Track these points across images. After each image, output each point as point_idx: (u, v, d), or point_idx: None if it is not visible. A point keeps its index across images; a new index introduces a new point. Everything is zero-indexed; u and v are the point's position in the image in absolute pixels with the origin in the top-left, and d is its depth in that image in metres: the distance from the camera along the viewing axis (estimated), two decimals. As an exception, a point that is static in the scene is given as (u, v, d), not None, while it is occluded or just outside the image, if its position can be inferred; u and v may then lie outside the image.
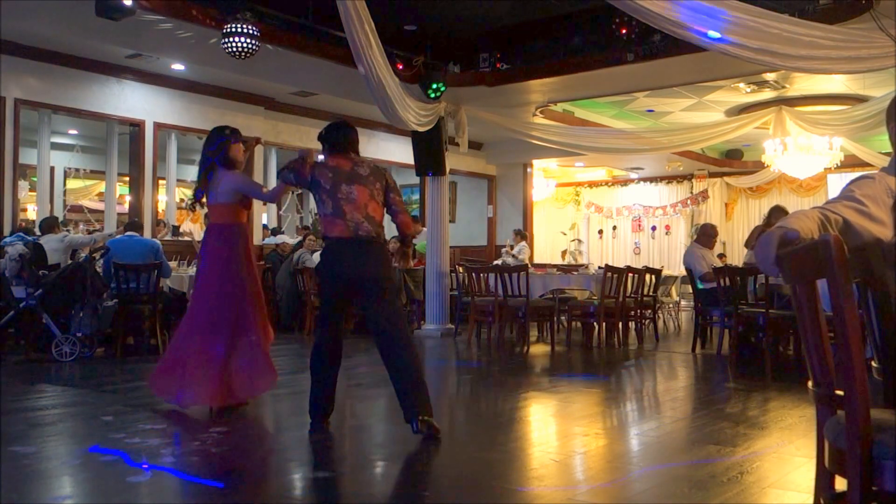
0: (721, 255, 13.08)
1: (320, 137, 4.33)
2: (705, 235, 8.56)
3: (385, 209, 4.23)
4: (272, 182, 12.89)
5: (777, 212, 8.26)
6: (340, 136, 4.26)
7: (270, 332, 4.94)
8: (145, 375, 6.33)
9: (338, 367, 4.22)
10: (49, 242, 7.61)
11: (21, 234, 7.43)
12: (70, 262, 7.44)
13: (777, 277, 1.93)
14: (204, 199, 4.84)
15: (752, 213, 16.62)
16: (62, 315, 6.90)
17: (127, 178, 10.82)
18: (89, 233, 9.83)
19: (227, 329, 4.65)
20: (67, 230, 9.27)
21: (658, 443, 4.09)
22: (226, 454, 3.74)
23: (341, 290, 4.12)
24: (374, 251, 4.04)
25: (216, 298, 4.70)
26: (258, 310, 4.79)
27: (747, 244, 8.92)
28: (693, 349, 7.96)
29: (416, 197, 15.09)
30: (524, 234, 13.64)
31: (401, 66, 9.08)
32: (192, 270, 8.58)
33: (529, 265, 9.57)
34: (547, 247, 17.74)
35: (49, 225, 8.17)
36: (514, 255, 12.45)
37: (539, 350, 8.42)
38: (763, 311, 6.80)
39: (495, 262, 11.28)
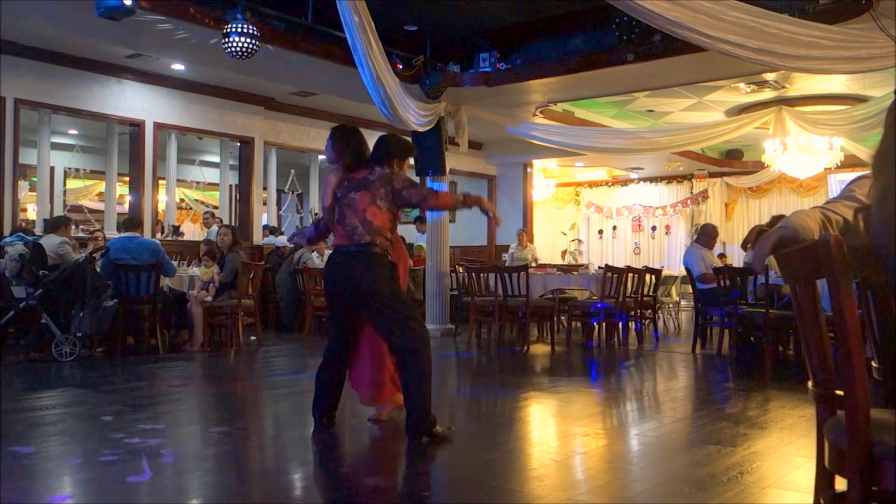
0: (721, 255, 13.08)
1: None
2: (706, 235, 8.56)
3: (402, 209, 4.11)
4: (272, 184, 12.90)
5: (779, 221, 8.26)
6: (379, 148, 4.18)
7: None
8: (145, 375, 6.36)
9: (346, 370, 4.20)
10: (48, 242, 7.56)
11: (21, 234, 7.40)
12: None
13: (760, 273, 1.93)
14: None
15: (752, 213, 16.62)
16: (62, 315, 6.89)
17: (127, 178, 10.82)
18: (90, 233, 9.82)
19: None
20: (79, 239, 9.04)
21: (658, 443, 4.09)
22: (226, 454, 3.74)
23: (340, 301, 4.06)
24: (364, 261, 3.90)
25: None
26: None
27: (744, 245, 8.90)
28: (693, 349, 7.95)
29: (416, 197, 15.06)
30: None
31: (401, 66, 9.08)
32: (192, 270, 8.57)
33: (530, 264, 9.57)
34: (547, 247, 17.73)
35: (55, 224, 7.92)
36: (533, 259, 12.31)
37: (539, 350, 8.42)
38: (763, 311, 6.80)
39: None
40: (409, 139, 4.31)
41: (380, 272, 3.92)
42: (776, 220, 8.29)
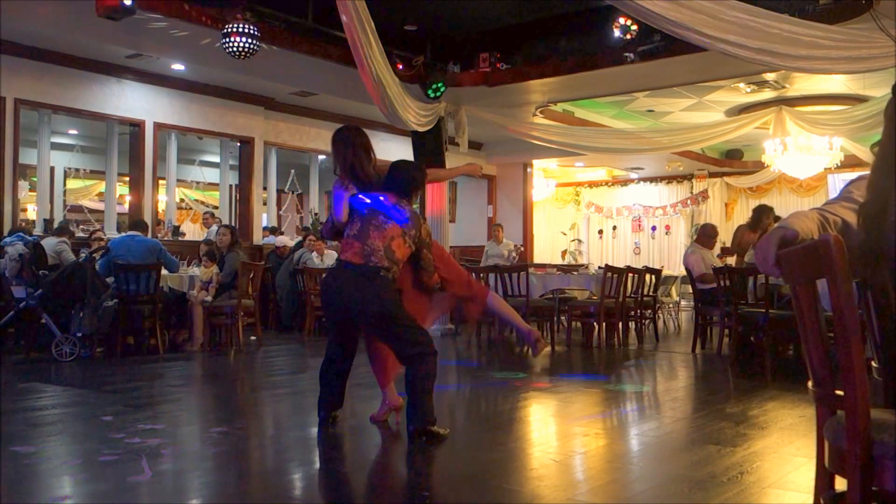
0: (721, 255, 13.07)
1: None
2: (706, 236, 8.55)
3: (413, 257, 4.13)
4: (272, 184, 12.89)
5: (765, 212, 8.19)
6: (403, 178, 4.20)
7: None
8: (145, 375, 6.36)
9: (348, 369, 4.23)
10: (47, 242, 7.62)
11: (21, 234, 7.41)
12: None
13: (778, 278, 1.92)
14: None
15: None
16: (62, 315, 6.89)
17: (127, 178, 10.82)
18: (91, 233, 9.82)
19: None
20: (80, 240, 9.20)
21: (658, 443, 4.09)
22: (226, 454, 3.74)
23: (343, 317, 4.08)
24: (374, 283, 3.92)
25: None
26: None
27: (733, 247, 8.86)
28: (693, 349, 7.95)
29: (416, 197, 15.06)
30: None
31: (401, 66, 9.08)
32: (192, 270, 8.57)
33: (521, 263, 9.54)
34: (547, 247, 17.74)
35: (60, 231, 8.27)
36: (510, 254, 12.21)
37: (539, 350, 8.40)
38: (763, 311, 6.80)
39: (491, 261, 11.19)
40: (418, 163, 4.34)
41: (388, 296, 3.97)
42: (758, 212, 8.25)
